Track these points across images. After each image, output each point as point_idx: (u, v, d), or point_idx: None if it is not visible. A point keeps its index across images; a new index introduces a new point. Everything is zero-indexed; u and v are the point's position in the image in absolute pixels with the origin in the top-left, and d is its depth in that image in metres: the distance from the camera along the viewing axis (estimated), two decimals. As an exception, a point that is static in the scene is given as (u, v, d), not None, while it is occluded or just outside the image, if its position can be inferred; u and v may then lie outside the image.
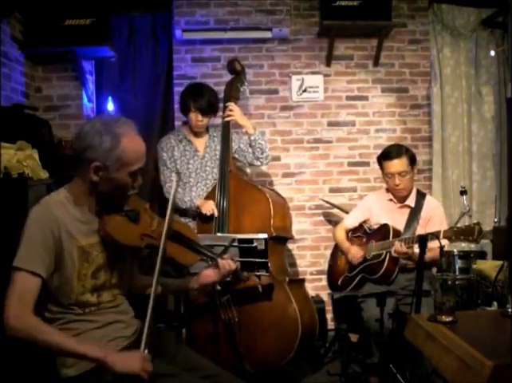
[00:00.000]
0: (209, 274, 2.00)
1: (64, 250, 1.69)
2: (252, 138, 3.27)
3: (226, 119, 3.27)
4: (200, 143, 3.34)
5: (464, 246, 3.79)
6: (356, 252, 3.14)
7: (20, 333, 1.60)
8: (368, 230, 3.23)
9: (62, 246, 1.68)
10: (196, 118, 3.22)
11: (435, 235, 2.51)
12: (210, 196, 3.18)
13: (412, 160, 3.09)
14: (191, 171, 3.28)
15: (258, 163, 3.35)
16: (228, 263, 1.99)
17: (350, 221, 3.34)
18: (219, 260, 1.99)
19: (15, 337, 1.61)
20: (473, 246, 3.59)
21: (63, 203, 1.73)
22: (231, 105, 3.28)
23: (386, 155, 3.11)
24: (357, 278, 3.13)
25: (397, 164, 3.04)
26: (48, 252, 1.66)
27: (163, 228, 1.76)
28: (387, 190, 3.22)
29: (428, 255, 2.66)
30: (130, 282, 1.95)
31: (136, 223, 1.80)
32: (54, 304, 1.73)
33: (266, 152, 3.31)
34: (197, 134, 3.33)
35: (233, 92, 3.34)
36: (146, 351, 1.64)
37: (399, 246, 2.88)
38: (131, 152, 1.72)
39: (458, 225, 2.78)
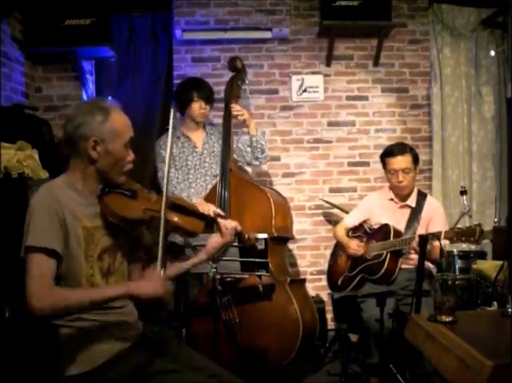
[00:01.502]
0: (215, 241, 2.01)
1: (70, 230, 1.71)
2: (254, 139, 3.30)
3: (240, 118, 3.28)
4: (198, 139, 3.35)
5: (464, 246, 3.79)
6: (356, 247, 3.13)
7: (49, 312, 1.61)
8: (368, 230, 3.23)
9: (67, 227, 1.70)
10: (200, 106, 3.25)
11: (436, 236, 2.51)
12: (210, 195, 3.18)
13: (415, 159, 3.11)
14: (189, 167, 3.29)
15: (257, 163, 3.37)
16: (229, 222, 2.03)
17: (350, 220, 3.34)
18: (221, 220, 2.02)
19: (45, 316, 1.63)
20: (473, 247, 3.59)
21: (62, 188, 1.76)
22: (237, 106, 3.29)
23: (389, 152, 3.12)
24: (357, 278, 3.13)
25: (401, 161, 3.05)
26: (57, 229, 1.67)
27: (161, 201, 1.79)
28: (390, 188, 3.22)
29: (432, 257, 2.66)
30: (134, 274, 1.95)
31: (136, 199, 1.85)
32: None
33: (266, 152, 3.34)
34: (196, 129, 3.33)
35: (234, 91, 3.34)
36: (162, 270, 1.72)
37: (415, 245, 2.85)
38: (122, 123, 1.82)
39: (459, 225, 2.77)
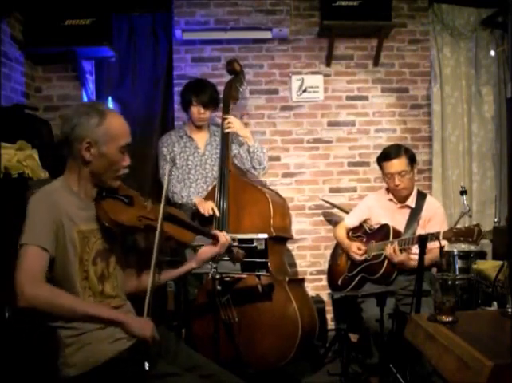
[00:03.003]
0: (207, 250, 2.05)
1: (66, 234, 1.72)
2: (251, 149, 3.29)
3: (226, 131, 3.28)
4: (201, 140, 3.35)
5: (463, 246, 3.79)
6: (357, 249, 3.13)
7: (36, 301, 1.60)
8: (368, 231, 3.23)
9: (64, 230, 1.71)
10: (198, 111, 3.26)
11: (435, 236, 2.51)
12: (209, 196, 3.19)
13: (412, 160, 3.08)
14: (190, 167, 3.30)
15: (255, 172, 3.40)
16: (223, 235, 2.06)
17: (350, 220, 3.34)
18: (216, 232, 2.05)
19: (33, 306, 1.60)
20: (473, 247, 3.59)
21: (60, 191, 1.77)
22: (229, 118, 3.29)
23: (385, 156, 3.10)
24: (357, 278, 3.13)
25: (396, 164, 3.04)
26: (51, 232, 1.68)
27: (157, 211, 1.81)
28: (388, 190, 3.22)
29: (428, 257, 2.66)
30: (129, 278, 1.96)
31: (132, 206, 1.85)
32: None
33: (263, 164, 3.34)
34: (199, 130, 3.35)
35: (232, 93, 3.35)
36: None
37: (392, 252, 2.88)
38: (118, 126, 1.80)
39: (458, 225, 2.78)
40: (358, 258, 3.12)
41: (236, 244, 2.27)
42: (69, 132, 1.76)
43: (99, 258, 1.80)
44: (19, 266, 1.62)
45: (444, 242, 2.70)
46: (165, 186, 1.90)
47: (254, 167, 3.34)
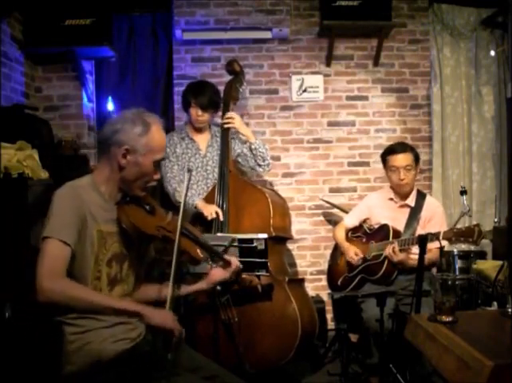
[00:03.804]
0: (218, 273, 2.08)
1: (87, 231, 1.74)
2: (253, 147, 3.30)
3: (226, 126, 3.28)
4: (203, 142, 3.35)
5: (464, 246, 3.79)
6: (354, 253, 3.14)
7: (56, 295, 1.62)
8: (367, 231, 3.23)
9: (86, 227, 1.73)
10: (196, 113, 3.25)
11: (435, 236, 2.51)
12: (209, 197, 3.19)
13: (417, 158, 3.12)
14: (191, 168, 3.29)
15: (260, 169, 3.39)
16: (235, 261, 2.10)
17: (350, 220, 3.34)
18: (230, 258, 2.07)
19: (51, 300, 1.62)
20: (473, 247, 3.59)
21: (86, 189, 1.80)
22: (231, 114, 3.29)
23: (391, 150, 3.13)
24: (357, 279, 3.13)
25: (402, 158, 3.06)
26: (75, 226, 1.70)
27: (176, 223, 1.84)
28: (390, 187, 3.22)
29: (428, 256, 2.67)
30: (137, 284, 1.97)
31: (153, 215, 1.89)
32: None
33: (268, 159, 3.34)
34: (200, 131, 3.35)
35: (232, 93, 3.35)
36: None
37: (391, 251, 2.89)
38: (158, 140, 1.85)
39: (458, 225, 2.78)
40: (354, 262, 3.13)
41: (236, 244, 2.29)
42: (110, 135, 1.79)
43: (114, 260, 1.82)
44: (40, 260, 1.64)
45: (444, 243, 2.70)
46: (183, 197, 1.91)
47: (259, 165, 3.34)
